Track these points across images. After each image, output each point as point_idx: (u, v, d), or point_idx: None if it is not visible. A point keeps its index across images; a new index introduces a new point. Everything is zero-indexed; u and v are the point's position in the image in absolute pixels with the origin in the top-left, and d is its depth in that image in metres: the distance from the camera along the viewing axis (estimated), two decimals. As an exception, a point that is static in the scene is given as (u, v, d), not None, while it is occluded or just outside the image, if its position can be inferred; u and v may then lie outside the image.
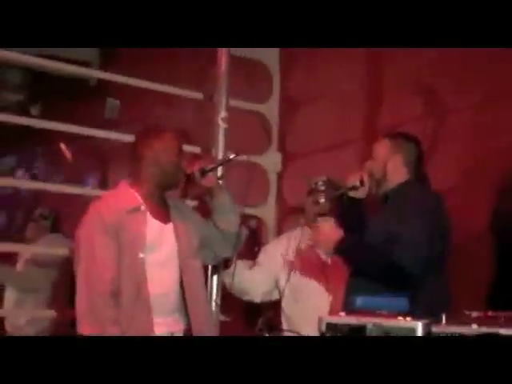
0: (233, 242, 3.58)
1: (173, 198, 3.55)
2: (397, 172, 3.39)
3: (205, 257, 3.61)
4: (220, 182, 3.74)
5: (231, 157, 3.70)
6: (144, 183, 3.41)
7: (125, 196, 3.40)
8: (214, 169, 3.58)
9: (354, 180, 3.47)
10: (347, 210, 3.55)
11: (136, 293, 3.26)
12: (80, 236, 3.31)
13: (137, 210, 3.34)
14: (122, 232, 3.27)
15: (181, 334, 3.36)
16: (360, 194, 3.48)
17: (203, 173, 3.47)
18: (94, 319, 3.19)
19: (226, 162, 3.81)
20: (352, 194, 3.49)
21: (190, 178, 3.45)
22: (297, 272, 3.92)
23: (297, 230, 4.07)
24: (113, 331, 3.15)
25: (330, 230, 3.40)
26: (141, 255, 3.28)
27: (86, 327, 3.18)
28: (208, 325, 3.48)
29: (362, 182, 3.45)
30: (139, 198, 3.38)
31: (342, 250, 3.35)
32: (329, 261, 3.86)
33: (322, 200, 3.73)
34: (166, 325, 3.33)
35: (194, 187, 3.56)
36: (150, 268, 3.29)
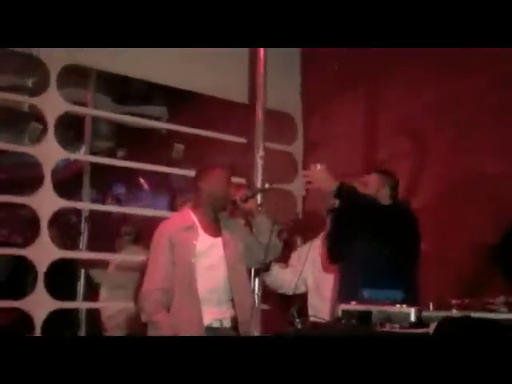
0: (271, 252, 3.62)
1: (224, 217, 3.59)
2: (384, 199, 3.47)
3: (249, 262, 3.64)
4: (259, 206, 3.78)
5: (266, 187, 3.93)
6: (200, 207, 3.51)
7: (184, 217, 3.51)
8: (253, 196, 3.67)
9: None
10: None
11: (187, 288, 3.34)
12: (150, 245, 3.47)
13: (190, 228, 3.44)
14: (178, 243, 3.37)
15: (229, 321, 3.39)
16: None
17: (245, 200, 3.58)
18: (144, 308, 3.32)
19: (261, 191, 3.93)
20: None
21: (235, 203, 3.58)
22: (319, 269, 3.91)
23: (317, 239, 4.09)
24: (156, 318, 3.25)
25: (322, 172, 3.40)
26: (191, 260, 3.36)
27: (142, 314, 3.33)
28: (250, 314, 3.47)
29: None
30: (195, 218, 3.48)
31: (342, 193, 3.31)
32: None
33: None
34: (215, 313, 3.37)
35: (239, 210, 3.64)
36: (199, 270, 3.37)
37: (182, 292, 3.36)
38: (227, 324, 3.39)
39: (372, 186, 3.51)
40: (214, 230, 3.50)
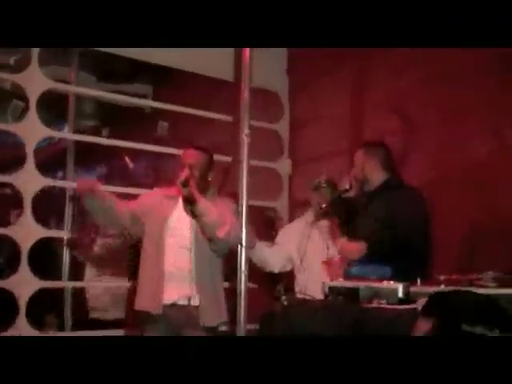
0: (211, 246, 3.38)
1: (211, 195, 3.51)
2: (375, 174, 3.30)
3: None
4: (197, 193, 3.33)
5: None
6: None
7: (173, 189, 3.45)
8: (187, 181, 3.27)
9: (344, 185, 3.45)
10: (339, 208, 3.50)
11: (154, 260, 3.34)
12: None
13: (172, 198, 3.45)
14: (155, 210, 3.43)
15: (194, 299, 3.33)
16: (350, 195, 3.43)
17: (183, 184, 3.27)
18: None
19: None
20: (344, 195, 3.44)
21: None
22: (305, 247, 3.88)
23: (303, 216, 4.06)
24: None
25: (348, 244, 3.17)
26: (162, 233, 3.35)
27: None
28: (211, 299, 3.39)
29: (350, 186, 3.41)
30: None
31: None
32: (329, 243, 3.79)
33: (324, 205, 3.61)
34: (182, 290, 3.32)
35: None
36: (169, 244, 3.35)
37: (148, 264, 3.36)
38: (196, 302, 3.33)
39: (357, 163, 3.36)
40: None
